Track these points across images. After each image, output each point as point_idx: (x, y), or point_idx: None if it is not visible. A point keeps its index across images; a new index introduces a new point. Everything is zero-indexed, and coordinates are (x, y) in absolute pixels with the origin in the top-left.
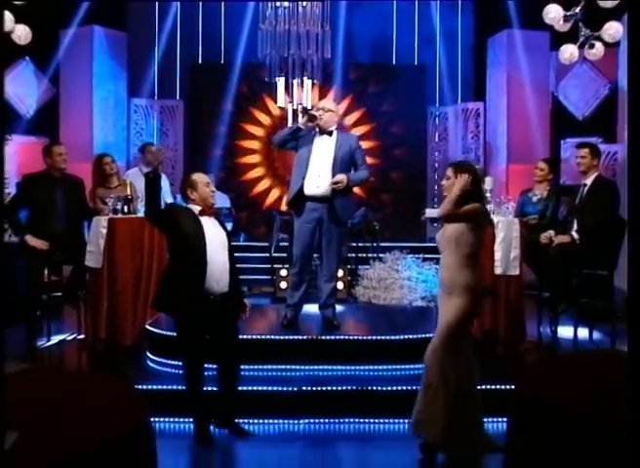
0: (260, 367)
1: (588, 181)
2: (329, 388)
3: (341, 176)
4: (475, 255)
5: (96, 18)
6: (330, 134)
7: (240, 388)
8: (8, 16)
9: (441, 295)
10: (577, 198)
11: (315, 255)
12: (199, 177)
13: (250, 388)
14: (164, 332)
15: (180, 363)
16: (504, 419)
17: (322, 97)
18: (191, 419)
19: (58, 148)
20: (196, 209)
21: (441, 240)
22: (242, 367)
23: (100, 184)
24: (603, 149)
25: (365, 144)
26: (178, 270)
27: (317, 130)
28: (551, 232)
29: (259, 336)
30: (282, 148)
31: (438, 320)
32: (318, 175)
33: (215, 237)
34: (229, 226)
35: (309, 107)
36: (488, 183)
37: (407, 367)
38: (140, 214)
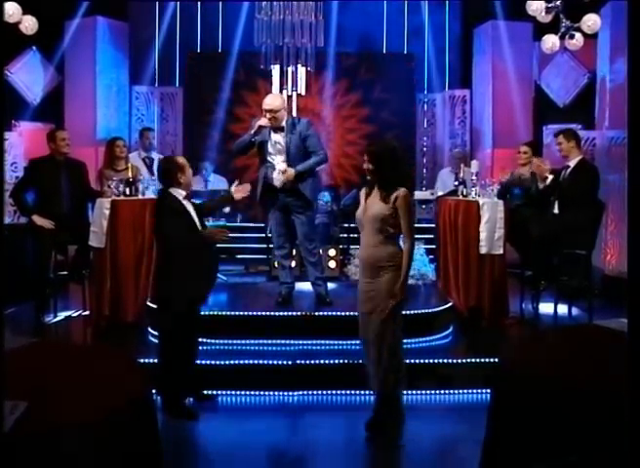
0: (257, 341)
1: (572, 163)
2: (322, 362)
3: (289, 173)
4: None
5: (99, 9)
6: (282, 128)
7: (238, 362)
8: (16, 7)
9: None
10: (559, 178)
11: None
12: (184, 161)
13: (247, 362)
14: None
15: (172, 341)
16: (488, 391)
17: (315, 84)
18: (172, 395)
19: (61, 134)
20: (181, 194)
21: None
22: (241, 342)
23: (108, 165)
24: (582, 135)
25: (356, 130)
26: (185, 260)
27: (270, 128)
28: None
29: (255, 313)
30: (241, 156)
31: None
32: (276, 170)
33: (196, 217)
34: (227, 208)
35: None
36: (474, 167)
37: None
38: (142, 195)
